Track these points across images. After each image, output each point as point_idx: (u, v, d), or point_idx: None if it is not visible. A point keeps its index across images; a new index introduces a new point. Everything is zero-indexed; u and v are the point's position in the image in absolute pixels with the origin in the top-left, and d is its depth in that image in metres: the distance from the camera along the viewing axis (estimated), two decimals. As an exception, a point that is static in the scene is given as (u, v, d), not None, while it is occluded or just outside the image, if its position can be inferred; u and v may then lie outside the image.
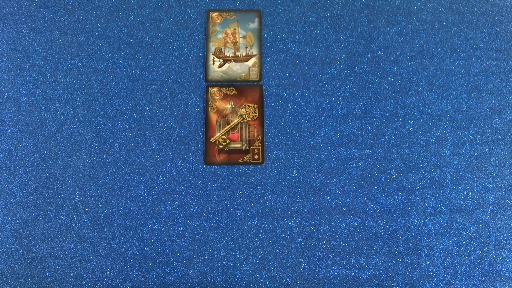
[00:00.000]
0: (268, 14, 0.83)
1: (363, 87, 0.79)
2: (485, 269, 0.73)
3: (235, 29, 0.82)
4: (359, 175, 0.76)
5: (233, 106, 0.78)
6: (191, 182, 0.75)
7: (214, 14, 0.82)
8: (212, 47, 0.81)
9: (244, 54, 0.81)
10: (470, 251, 0.73)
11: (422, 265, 0.73)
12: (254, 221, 0.74)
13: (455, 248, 0.73)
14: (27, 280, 0.72)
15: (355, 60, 0.80)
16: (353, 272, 0.72)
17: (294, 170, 0.76)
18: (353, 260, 0.73)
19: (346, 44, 0.81)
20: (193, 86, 0.79)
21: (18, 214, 0.74)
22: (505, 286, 0.73)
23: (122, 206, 0.74)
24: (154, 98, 0.78)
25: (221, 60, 0.80)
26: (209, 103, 0.78)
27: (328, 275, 0.72)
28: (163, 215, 0.74)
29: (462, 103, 0.79)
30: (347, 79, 0.80)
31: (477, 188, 0.76)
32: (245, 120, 0.78)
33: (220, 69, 0.80)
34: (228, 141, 0.77)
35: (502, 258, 0.73)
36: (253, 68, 0.80)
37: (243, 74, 0.80)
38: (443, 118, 0.78)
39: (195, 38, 0.81)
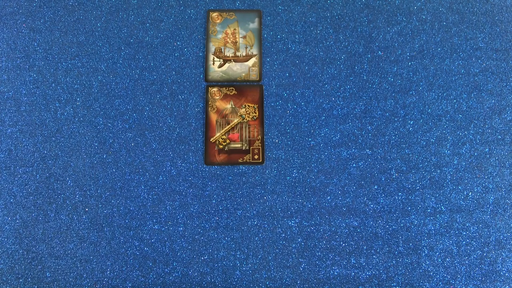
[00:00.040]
0: (268, 14, 0.83)
1: (363, 87, 0.79)
2: (485, 269, 0.73)
3: (235, 29, 0.82)
4: (359, 175, 0.76)
5: (233, 106, 0.78)
6: (191, 182, 0.75)
7: (214, 14, 0.82)
8: (212, 47, 0.81)
9: (244, 54, 0.81)
10: (470, 251, 0.73)
11: (422, 265, 0.73)
12: (254, 221, 0.74)
13: (455, 248, 0.73)
14: (27, 280, 0.72)
15: (355, 60, 0.80)
16: (353, 272, 0.72)
17: (294, 170, 0.76)
18: (353, 260, 0.73)
19: (346, 44, 0.81)
20: (193, 86, 0.79)
21: (18, 214, 0.74)
22: (505, 286, 0.73)
23: (122, 206, 0.74)
24: (154, 98, 0.78)
25: (221, 60, 0.80)
26: (209, 103, 0.78)
27: (328, 275, 0.72)
28: (163, 215, 0.74)
29: (462, 103, 0.79)
30: (347, 79, 0.80)
31: (477, 188, 0.76)
32: (245, 120, 0.78)
33: (220, 69, 0.80)
34: (228, 141, 0.77)
35: (502, 258, 0.73)
36: (253, 68, 0.80)
37: (243, 74, 0.80)
38: (443, 118, 0.78)
39: (195, 38, 0.81)
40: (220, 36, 0.81)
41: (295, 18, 0.82)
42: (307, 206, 0.75)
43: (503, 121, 0.78)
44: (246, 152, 0.76)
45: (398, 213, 0.74)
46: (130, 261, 0.72)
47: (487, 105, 0.79)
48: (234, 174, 0.76)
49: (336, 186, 0.75)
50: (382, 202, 0.75)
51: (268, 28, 0.82)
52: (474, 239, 0.74)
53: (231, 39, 0.81)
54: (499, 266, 0.73)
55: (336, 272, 0.72)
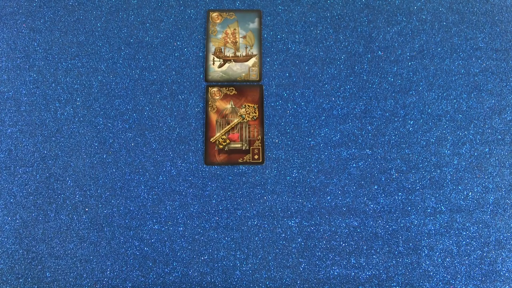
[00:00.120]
0: (268, 14, 0.83)
1: (363, 87, 0.79)
2: (485, 269, 0.73)
3: (235, 29, 0.82)
4: (359, 175, 0.76)
5: (233, 106, 0.78)
6: (191, 182, 0.75)
7: (214, 14, 0.82)
8: (212, 47, 0.81)
9: (244, 54, 0.81)
10: (470, 251, 0.73)
11: (422, 265, 0.73)
12: (254, 221, 0.74)
13: (455, 248, 0.73)
14: (27, 280, 0.72)
15: (355, 60, 0.80)
16: (353, 272, 0.72)
17: (294, 170, 0.76)
18: (353, 260, 0.73)
19: (346, 44, 0.81)
20: (193, 86, 0.79)
21: (18, 214, 0.74)
22: (505, 286, 0.73)
23: (122, 206, 0.74)
24: (154, 98, 0.78)
25: (221, 60, 0.80)
26: (209, 103, 0.78)
27: (328, 275, 0.72)
28: (163, 215, 0.74)
29: (462, 103, 0.79)
30: (347, 79, 0.80)
31: (477, 188, 0.76)
32: (245, 120, 0.78)
33: (220, 69, 0.80)
34: (228, 141, 0.77)
35: (502, 258, 0.73)
36: (253, 68, 0.80)
37: (243, 74, 0.80)
38: (443, 118, 0.78)
39: (195, 38, 0.81)
40: (220, 36, 0.81)
41: (295, 18, 0.82)
42: (307, 206, 0.75)
43: (503, 121, 0.78)
44: (246, 152, 0.76)
45: (398, 213, 0.74)
46: (130, 261, 0.72)
47: (487, 105, 0.79)
48: (234, 174, 0.76)
49: (336, 186, 0.75)
50: (382, 202, 0.75)
51: (268, 28, 0.82)
52: (474, 239, 0.74)
53: (231, 39, 0.81)
54: (499, 266, 0.73)
55: (336, 272, 0.72)
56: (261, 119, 0.78)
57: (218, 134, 0.77)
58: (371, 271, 0.73)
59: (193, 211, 0.74)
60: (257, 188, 0.75)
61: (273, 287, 0.72)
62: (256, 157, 0.76)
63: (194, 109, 0.78)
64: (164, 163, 0.76)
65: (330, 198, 0.75)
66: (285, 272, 0.72)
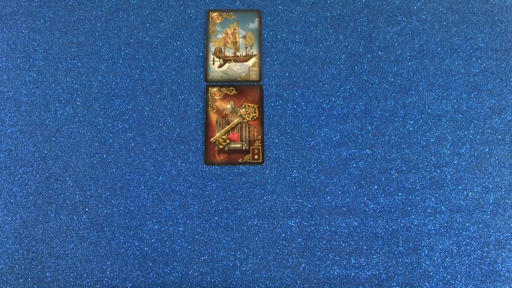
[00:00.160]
0: (268, 14, 0.83)
1: (363, 87, 0.79)
2: (485, 269, 0.73)
3: (235, 29, 0.82)
4: (359, 175, 0.76)
5: (233, 106, 0.78)
6: (191, 182, 0.75)
7: (214, 14, 0.82)
8: (212, 47, 0.81)
9: (244, 54, 0.81)
10: (470, 251, 0.73)
11: (422, 265, 0.73)
12: (254, 221, 0.74)
13: (455, 248, 0.73)
14: (27, 280, 0.72)
15: (355, 60, 0.80)
16: (353, 272, 0.72)
17: (294, 170, 0.76)
18: (353, 260, 0.73)
19: (346, 44, 0.81)
20: (193, 86, 0.79)
21: (18, 214, 0.74)
22: (505, 286, 0.73)
23: (122, 206, 0.74)
24: (154, 98, 0.78)
25: (221, 60, 0.80)
26: (209, 103, 0.78)
27: (328, 275, 0.72)
28: (163, 215, 0.74)
29: (462, 103, 0.79)
30: (347, 79, 0.80)
31: (477, 188, 0.76)
32: (245, 120, 0.78)
33: (220, 69, 0.80)
34: (228, 141, 0.77)
35: (502, 258, 0.73)
36: (253, 68, 0.80)
37: (243, 74, 0.80)
38: (443, 118, 0.78)
39: (195, 38, 0.81)
40: (220, 36, 0.81)
41: (295, 18, 0.82)
42: (307, 206, 0.75)
43: (503, 121, 0.78)
44: (246, 152, 0.76)
45: (398, 213, 0.74)
46: (130, 261, 0.72)
47: (487, 105, 0.79)
48: (234, 174, 0.76)
49: (336, 186, 0.75)
50: (382, 202, 0.75)
51: (268, 28, 0.82)
52: (474, 239, 0.74)
53: (231, 39, 0.81)
54: (499, 266, 0.73)
55: (336, 272, 0.72)
56: (261, 119, 0.78)
57: (218, 134, 0.77)
58: (371, 271, 0.73)
59: (193, 211, 0.74)
60: (257, 188, 0.75)
61: (273, 287, 0.72)
62: (256, 157, 0.76)
63: (194, 109, 0.78)
64: (164, 163, 0.76)
65: (330, 198, 0.75)
66: (285, 272, 0.72)
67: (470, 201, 0.75)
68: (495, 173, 0.76)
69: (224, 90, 0.79)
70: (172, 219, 0.74)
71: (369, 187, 0.75)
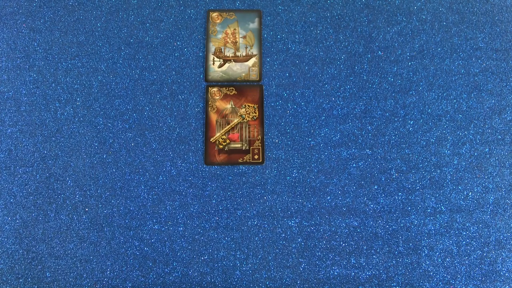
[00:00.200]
0: (268, 14, 0.83)
1: (363, 87, 0.79)
2: (485, 269, 0.73)
3: (235, 29, 0.82)
4: (359, 175, 0.76)
5: (233, 106, 0.78)
6: (191, 182, 0.75)
7: (214, 14, 0.82)
8: (212, 47, 0.81)
9: (244, 54, 0.81)
10: (470, 251, 0.73)
11: (422, 265, 0.73)
12: (254, 221, 0.74)
13: (455, 248, 0.73)
14: (27, 280, 0.72)
15: (355, 60, 0.80)
16: (353, 272, 0.72)
17: (294, 170, 0.76)
18: (353, 260, 0.73)
19: (346, 44, 0.81)
20: (193, 86, 0.79)
21: (18, 214, 0.74)
22: (505, 286, 0.73)
23: (122, 206, 0.74)
24: (154, 98, 0.78)
25: (221, 60, 0.80)
26: (209, 103, 0.78)
27: (328, 275, 0.72)
28: (163, 215, 0.74)
29: (462, 103, 0.79)
30: (347, 79, 0.80)
31: (477, 188, 0.76)
32: (245, 120, 0.78)
33: (220, 69, 0.80)
34: (228, 141, 0.77)
35: (502, 258, 0.73)
36: (253, 68, 0.80)
37: (243, 74, 0.80)
38: (443, 118, 0.78)
39: (195, 38, 0.81)
40: (220, 36, 0.81)
41: (295, 18, 0.82)
42: (307, 206, 0.75)
43: (503, 121, 0.78)
44: (246, 152, 0.76)
45: (398, 213, 0.74)
46: (130, 261, 0.72)
47: (487, 105, 0.79)
48: (234, 174, 0.76)
49: (336, 186, 0.75)
50: (382, 202, 0.75)
51: (268, 28, 0.82)
52: (474, 239, 0.74)
53: (231, 39, 0.81)
54: (499, 266, 0.73)
55: (336, 272, 0.72)
56: (261, 119, 0.78)
57: (218, 134, 0.77)
58: (371, 271, 0.73)
59: (193, 211, 0.74)
60: (257, 188, 0.75)
61: (273, 287, 0.72)
62: (256, 157, 0.76)
63: (194, 109, 0.78)
64: (164, 163, 0.76)
65: (330, 198, 0.75)
66: (285, 272, 0.72)
67: (470, 201, 0.75)
68: (495, 173, 0.76)
69: (224, 90, 0.79)
70: (172, 219, 0.74)
71: (369, 187, 0.75)
